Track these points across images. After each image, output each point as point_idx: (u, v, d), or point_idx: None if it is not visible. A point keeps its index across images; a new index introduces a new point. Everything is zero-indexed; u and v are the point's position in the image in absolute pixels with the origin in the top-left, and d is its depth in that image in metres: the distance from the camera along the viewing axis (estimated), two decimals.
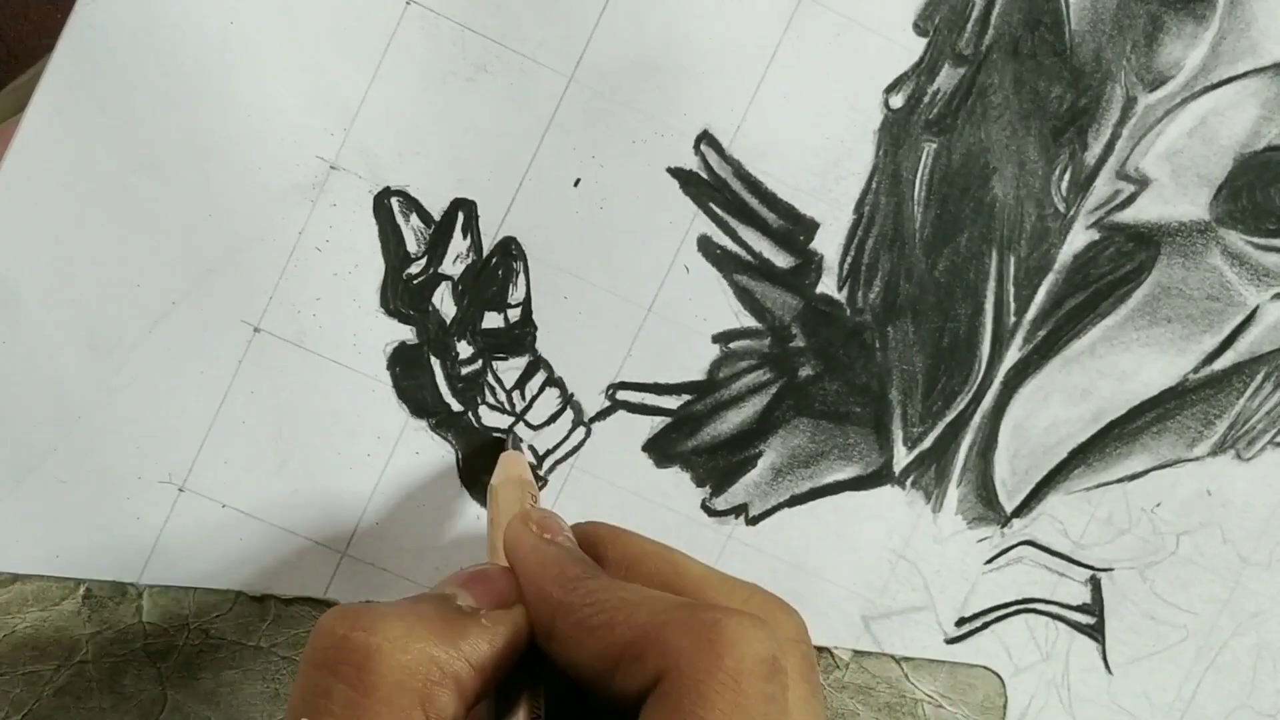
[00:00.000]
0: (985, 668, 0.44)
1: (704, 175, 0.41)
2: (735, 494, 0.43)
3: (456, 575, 0.32)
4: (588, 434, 0.41)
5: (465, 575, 0.32)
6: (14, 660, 0.39)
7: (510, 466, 0.38)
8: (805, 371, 0.42)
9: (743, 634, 0.27)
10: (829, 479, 0.43)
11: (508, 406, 0.41)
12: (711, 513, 0.43)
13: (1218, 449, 0.45)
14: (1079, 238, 0.43)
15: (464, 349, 0.40)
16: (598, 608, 0.29)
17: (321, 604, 0.41)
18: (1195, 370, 0.44)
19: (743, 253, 0.41)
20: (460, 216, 0.40)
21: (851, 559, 0.44)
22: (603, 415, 0.41)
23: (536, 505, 0.36)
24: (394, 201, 0.39)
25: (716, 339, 0.42)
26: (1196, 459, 0.45)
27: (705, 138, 0.41)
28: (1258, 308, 0.44)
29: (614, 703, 0.28)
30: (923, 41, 0.41)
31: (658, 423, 0.42)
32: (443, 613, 0.29)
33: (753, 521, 0.43)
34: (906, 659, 0.44)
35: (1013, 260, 0.43)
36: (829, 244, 0.42)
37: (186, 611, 0.40)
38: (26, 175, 0.38)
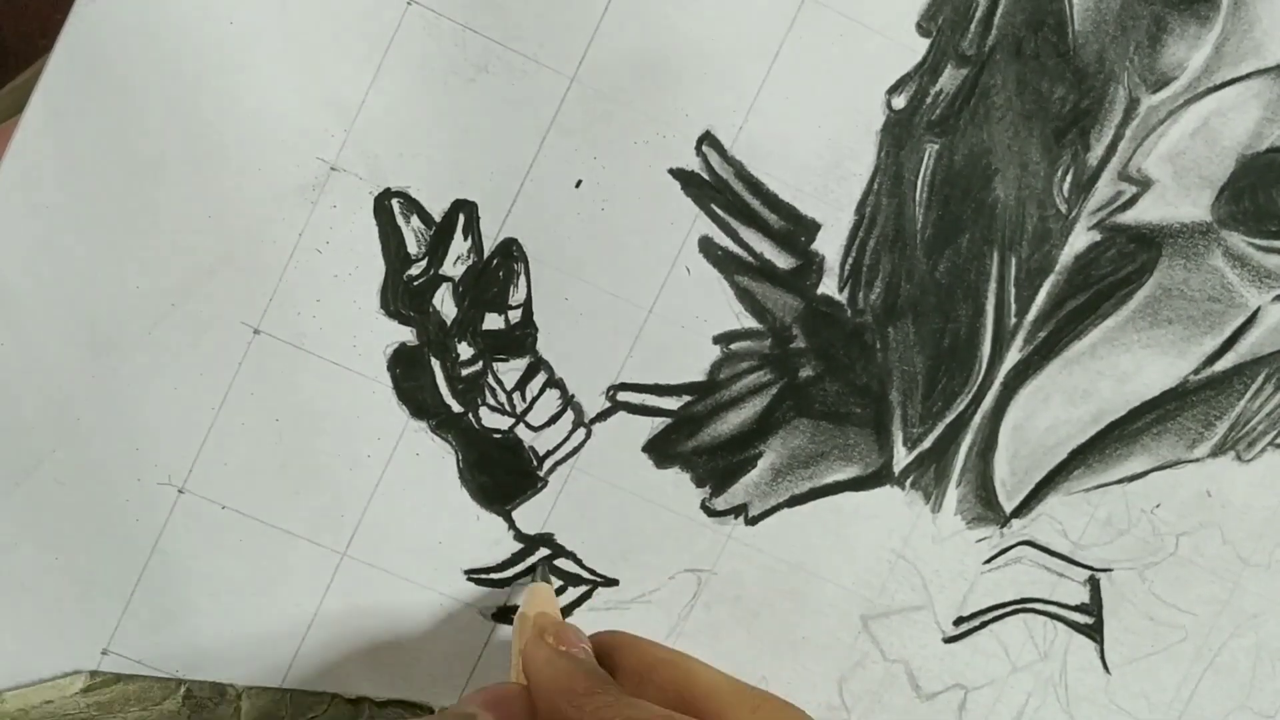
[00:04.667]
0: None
1: (705, 176, 0.41)
2: (735, 494, 0.43)
3: (479, 693, 0.33)
4: (588, 435, 0.41)
5: (488, 694, 0.33)
6: None
7: (538, 598, 0.39)
8: (806, 372, 0.42)
9: None
10: (829, 479, 0.43)
11: (508, 408, 0.41)
12: (711, 513, 0.43)
13: (1218, 450, 0.45)
14: (1080, 239, 0.43)
15: (464, 350, 0.40)
16: None
17: (415, 706, 0.41)
18: (1196, 372, 0.44)
19: (744, 254, 0.41)
20: (461, 218, 0.40)
21: (850, 559, 0.44)
22: (603, 416, 0.41)
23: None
24: (394, 203, 0.39)
25: (717, 340, 0.42)
26: (1196, 460, 0.45)
27: (707, 139, 0.41)
28: (1259, 309, 0.44)
29: None
30: (925, 42, 0.41)
31: (658, 423, 0.42)
32: None
33: (752, 522, 0.43)
34: None
35: (1014, 261, 0.43)
36: (830, 245, 0.42)
37: (284, 713, 0.40)
38: (25, 176, 0.38)
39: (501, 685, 0.34)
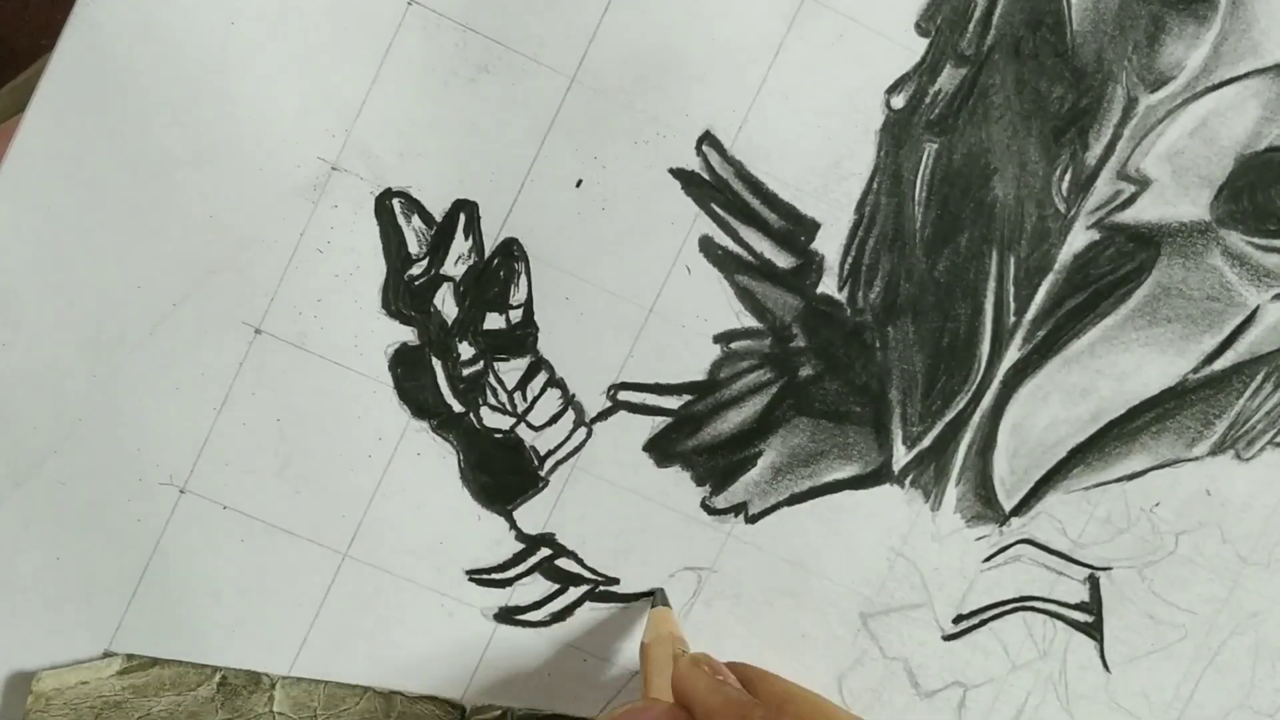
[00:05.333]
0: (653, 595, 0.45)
1: (705, 176, 0.41)
2: (735, 493, 0.43)
3: (629, 709, 0.35)
4: (589, 434, 0.42)
5: (640, 709, 0.35)
6: None
7: (662, 623, 0.40)
8: (805, 371, 0.42)
9: None
10: (828, 478, 0.43)
11: (509, 407, 0.41)
12: (711, 511, 0.43)
13: (1217, 449, 0.45)
14: (1079, 238, 0.43)
15: (465, 350, 0.40)
16: None
17: (446, 704, 0.41)
18: (1195, 370, 0.44)
19: (744, 253, 0.41)
20: (462, 217, 0.40)
21: (850, 557, 0.44)
22: (604, 415, 0.42)
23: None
24: (395, 202, 0.39)
25: (717, 339, 0.42)
26: (1196, 459, 0.45)
27: (707, 138, 0.41)
28: (1258, 308, 0.44)
29: None
30: (924, 42, 0.41)
31: (659, 423, 0.42)
32: None
33: (752, 520, 0.43)
34: None
35: (1013, 260, 0.43)
36: (830, 244, 0.42)
37: (315, 704, 0.40)
38: (26, 176, 0.38)
39: (650, 704, 0.35)
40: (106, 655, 0.40)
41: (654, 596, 0.42)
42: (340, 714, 0.41)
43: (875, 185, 0.42)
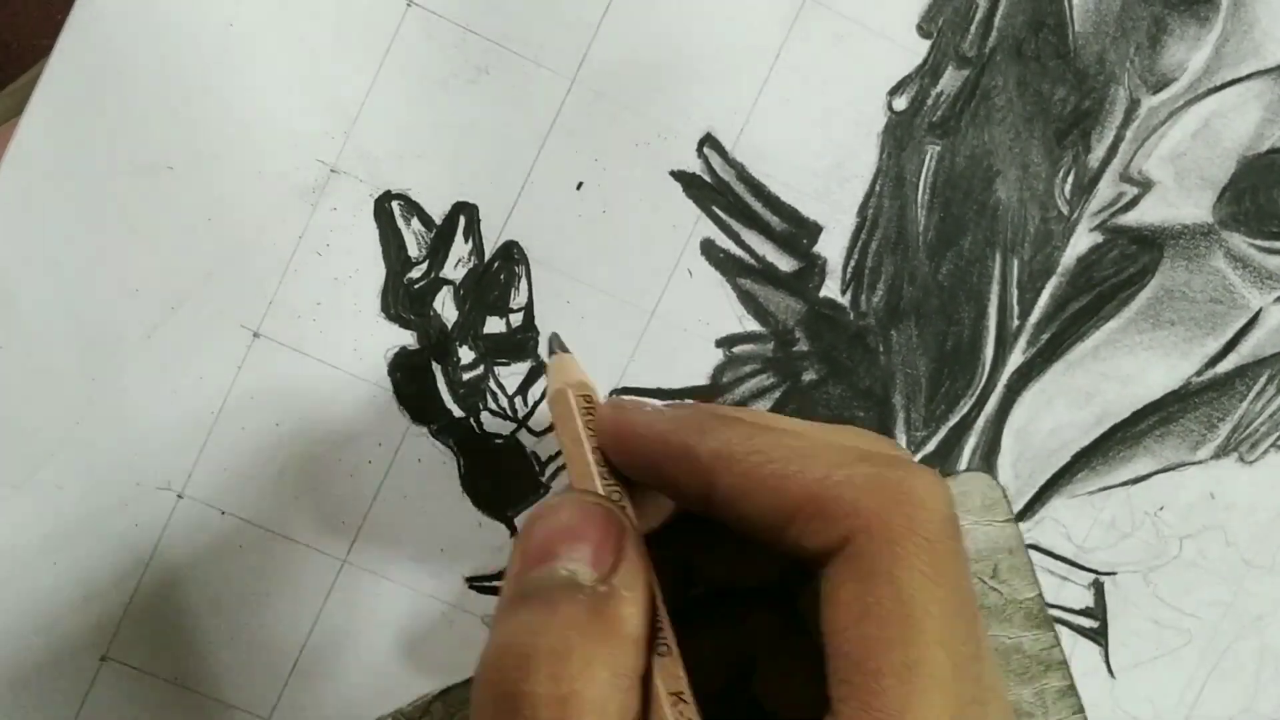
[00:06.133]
0: (969, 471, 0.43)
1: (707, 178, 0.41)
2: None
3: (540, 545, 0.27)
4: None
5: (557, 540, 0.27)
6: None
7: (566, 370, 0.33)
8: (808, 375, 0.42)
9: (930, 492, 0.26)
10: None
11: (510, 412, 0.41)
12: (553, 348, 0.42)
13: (1221, 452, 0.45)
14: (1082, 240, 0.43)
15: (465, 354, 0.40)
16: (765, 456, 0.27)
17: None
18: (1198, 373, 0.44)
19: (746, 256, 0.41)
20: (462, 220, 0.40)
21: None
22: None
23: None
24: (395, 205, 0.39)
25: (720, 343, 0.42)
26: (1199, 462, 0.45)
27: (708, 140, 0.40)
28: (1260, 310, 0.44)
29: (784, 554, 0.27)
30: (926, 44, 0.41)
31: None
32: (590, 621, 0.26)
33: None
34: None
35: (1016, 263, 0.43)
36: (832, 247, 0.42)
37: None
38: (24, 178, 0.37)
39: (558, 510, 0.28)
40: (103, 660, 0.40)
41: (550, 343, 0.36)
42: None
43: (877, 188, 0.42)
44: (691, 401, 0.33)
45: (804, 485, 0.26)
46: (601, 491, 0.29)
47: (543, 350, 0.40)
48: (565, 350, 0.35)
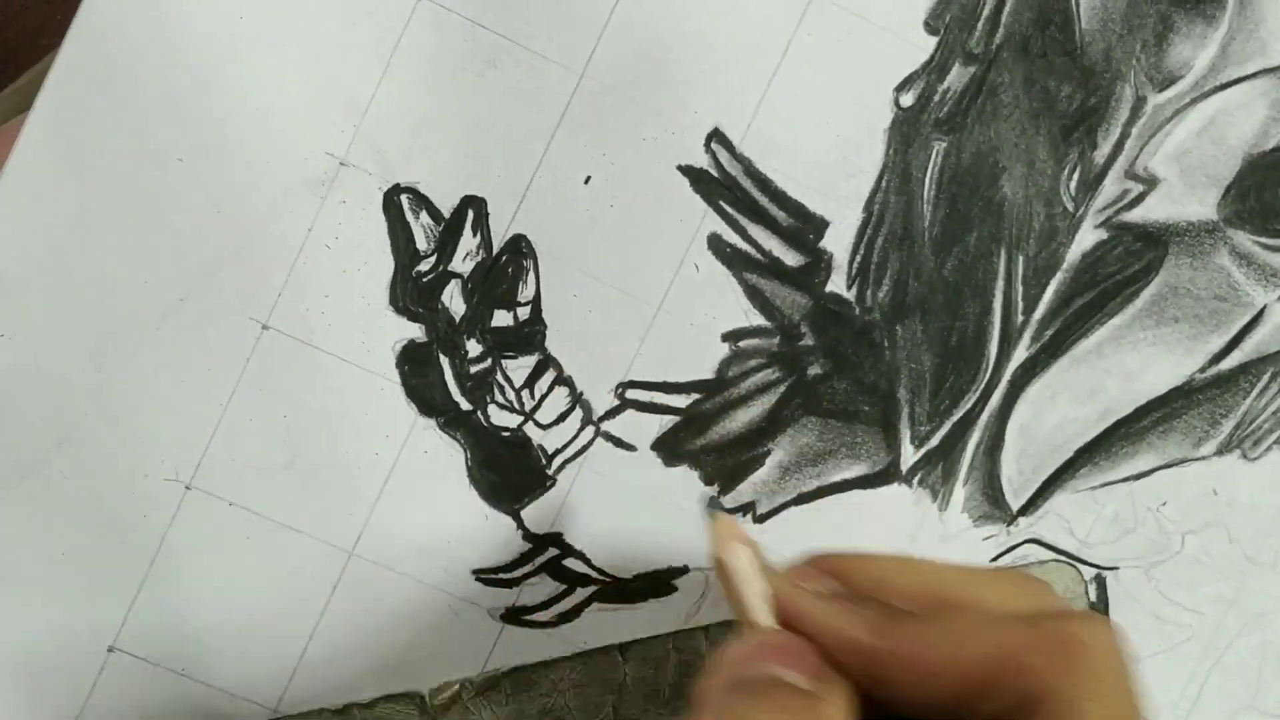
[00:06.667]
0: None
1: (714, 173, 0.41)
2: (743, 492, 0.43)
3: (756, 649, 0.30)
4: (597, 432, 0.41)
5: (769, 648, 0.30)
6: None
7: (729, 531, 0.34)
8: (814, 370, 0.42)
9: (1096, 637, 0.27)
10: (836, 477, 0.43)
11: (517, 405, 0.41)
12: (712, 503, 0.43)
13: (1224, 448, 0.45)
14: (1087, 237, 0.43)
15: (473, 347, 0.40)
16: (935, 647, 0.28)
17: (403, 696, 0.41)
18: (1202, 370, 0.44)
19: (752, 251, 0.41)
20: (470, 214, 0.40)
21: None
22: (612, 414, 0.41)
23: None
24: (404, 198, 0.39)
25: (725, 337, 0.42)
26: (1203, 458, 0.45)
27: (716, 135, 0.41)
28: (1265, 308, 0.44)
29: None
30: (933, 40, 0.41)
31: (666, 421, 0.42)
32: (801, 710, 0.28)
33: (760, 519, 0.43)
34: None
35: (1021, 259, 0.43)
36: (838, 242, 0.42)
37: None
38: (34, 170, 0.37)
39: (769, 637, 0.30)
40: (111, 651, 0.40)
41: (708, 506, 0.38)
42: None
43: (884, 183, 0.42)
44: (861, 564, 0.34)
45: (974, 662, 0.27)
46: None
47: (699, 507, 0.41)
48: (722, 509, 0.38)
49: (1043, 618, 0.28)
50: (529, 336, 0.41)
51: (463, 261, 0.40)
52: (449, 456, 0.41)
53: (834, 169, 0.41)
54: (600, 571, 0.42)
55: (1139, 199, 0.43)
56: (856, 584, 0.32)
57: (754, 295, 0.42)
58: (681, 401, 0.42)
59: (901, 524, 0.43)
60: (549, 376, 0.41)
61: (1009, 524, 0.44)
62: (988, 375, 0.43)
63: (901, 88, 0.41)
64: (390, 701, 0.41)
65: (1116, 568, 0.45)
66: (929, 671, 0.28)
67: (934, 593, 0.31)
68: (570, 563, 0.42)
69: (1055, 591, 0.32)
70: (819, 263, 0.42)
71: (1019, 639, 0.27)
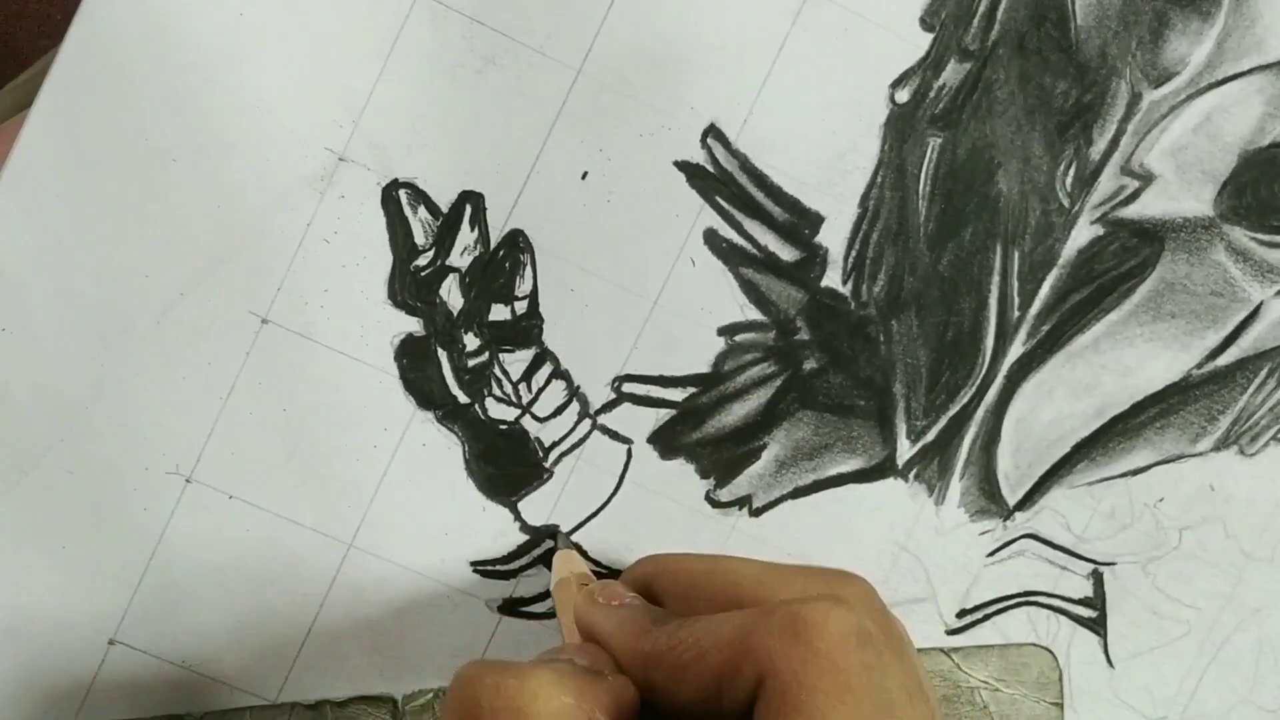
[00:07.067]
0: (1035, 645, 0.45)
1: (710, 169, 0.41)
2: (739, 486, 0.43)
3: (563, 647, 0.34)
4: (593, 425, 0.42)
5: (572, 647, 0.33)
6: None
7: (565, 564, 0.39)
8: (809, 365, 0.42)
9: (824, 615, 0.28)
10: (832, 471, 0.43)
11: (514, 399, 0.41)
12: (715, 504, 0.43)
13: (1221, 444, 0.45)
14: (1083, 233, 0.43)
15: (471, 341, 0.41)
16: (684, 645, 0.30)
17: (377, 699, 0.41)
18: (1199, 366, 0.45)
19: (748, 246, 0.42)
20: (468, 209, 0.40)
21: (854, 551, 0.44)
22: (608, 407, 0.42)
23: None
24: (402, 194, 0.40)
25: (721, 332, 0.42)
26: (1199, 454, 0.45)
27: (712, 131, 0.41)
28: (1261, 304, 0.44)
29: None
30: (929, 36, 0.41)
31: (663, 415, 0.42)
32: (574, 670, 0.30)
33: (756, 513, 0.43)
34: (955, 650, 0.44)
35: (1017, 255, 0.43)
36: (834, 238, 0.42)
37: None
38: (34, 166, 0.38)
39: (567, 647, 0.34)
40: (111, 644, 0.40)
41: (555, 541, 0.42)
42: None
43: (879, 179, 0.42)
44: (654, 561, 0.39)
45: (717, 655, 0.29)
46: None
47: (552, 543, 0.42)
48: (569, 547, 0.41)
49: (780, 604, 0.29)
50: (526, 330, 0.41)
51: (460, 256, 0.40)
52: (447, 449, 0.41)
53: (830, 164, 0.42)
54: (596, 563, 0.42)
55: (1135, 195, 0.43)
56: (667, 587, 0.35)
57: (750, 290, 0.42)
58: (678, 395, 0.42)
59: (897, 518, 0.44)
60: (546, 370, 0.41)
61: (1005, 519, 0.44)
62: (984, 370, 0.43)
63: (897, 84, 0.42)
64: (363, 702, 0.41)
65: (1113, 563, 0.45)
66: (677, 666, 0.30)
67: (733, 593, 0.33)
68: None
69: (859, 584, 0.34)
70: (814, 258, 0.42)
71: (754, 625, 0.29)
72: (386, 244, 0.40)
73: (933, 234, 0.42)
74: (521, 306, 0.41)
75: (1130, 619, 0.46)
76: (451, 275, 0.40)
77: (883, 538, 0.44)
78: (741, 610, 0.30)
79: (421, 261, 0.40)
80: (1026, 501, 0.45)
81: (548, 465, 0.42)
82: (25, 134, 0.38)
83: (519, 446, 0.41)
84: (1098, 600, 0.45)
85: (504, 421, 0.41)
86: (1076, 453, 0.45)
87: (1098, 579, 0.45)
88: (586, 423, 0.41)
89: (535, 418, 0.41)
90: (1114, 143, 0.43)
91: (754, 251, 0.42)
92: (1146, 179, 0.43)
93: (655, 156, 0.41)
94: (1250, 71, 0.43)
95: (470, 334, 0.41)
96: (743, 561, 0.35)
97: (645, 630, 0.32)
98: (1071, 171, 0.43)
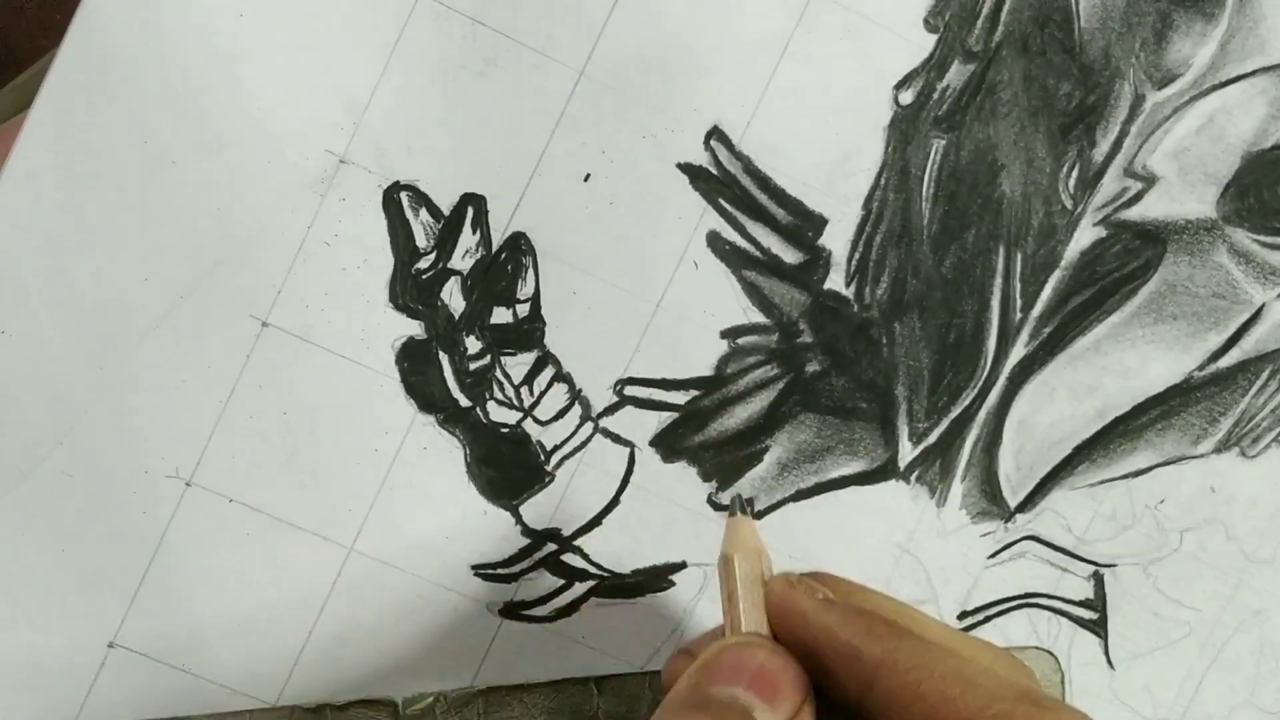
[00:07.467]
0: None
1: (713, 171, 0.41)
2: (741, 489, 0.43)
3: (728, 668, 0.30)
4: (595, 429, 0.41)
5: (745, 672, 0.30)
6: None
7: (743, 534, 0.35)
8: (812, 367, 0.42)
9: None
10: (834, 474, 0.43)
11: (516, 402, 0.41)
12: (718, 507, 0.43)
13: (1222, 446, 0.45)
14: (1086, 235, 0.43)
15: (472, 344, 0.40)
16: (926, 672, 0.29)
17: (377, 703, 0.41)
18: (1200, 368, 0.45)
19: (751, 248, 0.41)
20: (470, 211, 0.40)
21: (856, 553, 0.44)
22: (611, 410, 0.41)
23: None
24: (403, 196, 0.39)
25: (724, 334, 0.42)
26: (1201, 456, 0.45)
27: (715, 133, 0.41)
28: (1263, 306, 0.44)
29: None
30: (933, 38, 0.41)
31: (665, 418, 0.42)
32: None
33: (759, 516, 0.43)
34: None
35: (1019, 257, 0.43)
36: (837, 240, 0.42)
37: None
38: (34, 168, 0.38)
39: (745, 648, 0.31)
40: (111, 647, 0.40)
41: (731, 504, 0.36)
42: None
43: (883, 181, 0.42)
44: (862, 591, 0.35)
45: (963, 712, 0.28)
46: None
47: (725, 500, 0.41)
48: (746, 513, 0.36)
49: (1034, 699, 0.28)
50: (528, 333, 0.41)
51: (462, 259, 0.40)
52: (448, 453, 0.41)
53: (833, 167, 0.41)
54: (598, 567, 0.42)
55: (1138, 197, 0.43)
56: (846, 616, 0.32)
57: (753, 292, 0.42)
58: (680, 398, 0.42)
59: (899, 520, 0.44)
60: (548, 373, 0.41)
61: (1007, 520, 0.44)
62: (986, 372, 0.43)
63: (901, 85, 0.42)
64: (364, 706, 0.41)
65: (1115, 565, 0.45)
66: (909, 694, 0.28)
67: (892, 618, 0.32)
68: (568, 558, 0.42)
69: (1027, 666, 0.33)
70: (817, 260, 0.42)
71: (1011, 710, 0.28)
72: (388, 247, 0.40)
73: (936, 236, 0.42)
74: (523, 309, 0.40)
75: (1131, 620, 0.46)
76: (453, 278, 0.40)
77: (884, 540, 0.44)
78: (994, 675, 0.29)
79: (423, 264, 0.40)
80: (1028, 503, 0.44)
81: (549, 469, 0.41)
82: (25, 134, 0.37)
83: (521, 450, 0.41)
84: (1098, 602, 0.45)
85: (506, 425, 0.41)
86: (1078, 454, 0.45)
87: (1099, 581, 0.45)
88: (589, 426, 0.41)
89: (537, 421, 0.41)
90: (1117, 144, 0.43)
91: (757, 254, 0.41)
92: (1149, 181, 0.43)
93: (658, 158, 0.40)
94: (1254, 73, 0.43)
95: (472, 337, 0.40)
96: (929, 618, 0.33)
97: (878, 634, 0.29)
98: (1074, 173, 0.43)
